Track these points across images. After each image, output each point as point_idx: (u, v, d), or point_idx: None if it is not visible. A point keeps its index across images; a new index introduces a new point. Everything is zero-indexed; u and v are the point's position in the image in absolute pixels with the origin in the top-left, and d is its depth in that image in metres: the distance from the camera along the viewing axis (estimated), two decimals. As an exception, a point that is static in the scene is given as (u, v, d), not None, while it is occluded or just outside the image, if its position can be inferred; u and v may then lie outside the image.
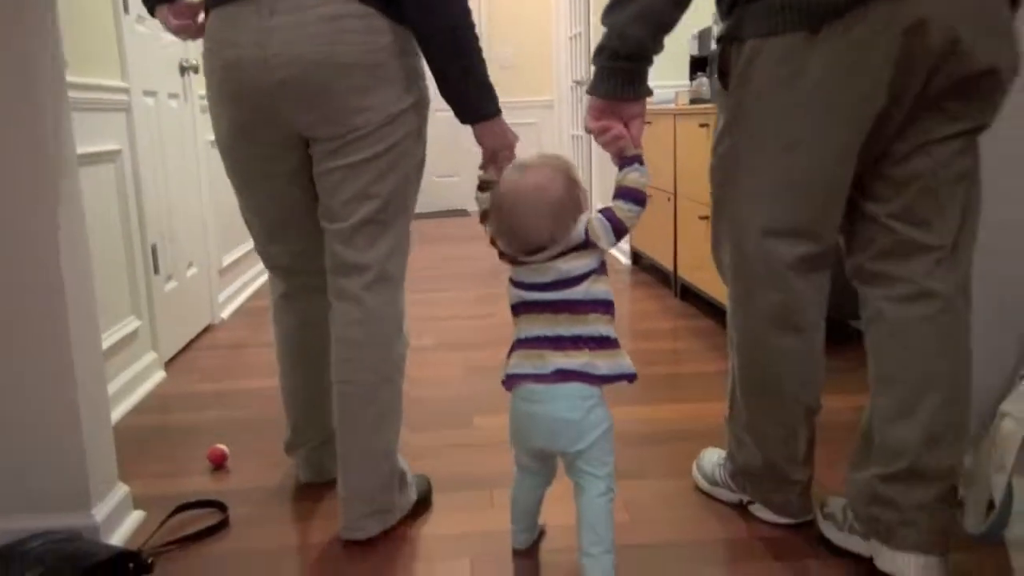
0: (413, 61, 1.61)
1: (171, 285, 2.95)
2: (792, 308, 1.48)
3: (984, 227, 1.43)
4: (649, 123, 3.77)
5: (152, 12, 1.70)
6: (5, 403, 1.56)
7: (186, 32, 1.69)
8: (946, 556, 1.41)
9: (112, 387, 2.32)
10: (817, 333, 1.52)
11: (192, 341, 3.17)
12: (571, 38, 5.89)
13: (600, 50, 1.44)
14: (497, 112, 1.62)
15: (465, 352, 2.89)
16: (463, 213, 6.72)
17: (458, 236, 5.58)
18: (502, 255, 1.47)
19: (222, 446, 2.03)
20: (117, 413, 2.35)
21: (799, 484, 1.61)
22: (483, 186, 1.59)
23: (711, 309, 3.20)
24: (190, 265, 3.19)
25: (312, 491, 1.87)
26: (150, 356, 2.69)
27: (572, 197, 1.41)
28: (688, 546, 1.60)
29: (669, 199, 3.57)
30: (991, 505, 1.36)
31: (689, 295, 3.50)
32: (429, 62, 1.60)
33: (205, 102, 3.43)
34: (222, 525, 1.72)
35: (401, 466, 1.71)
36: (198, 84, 3.36)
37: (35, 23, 1.49)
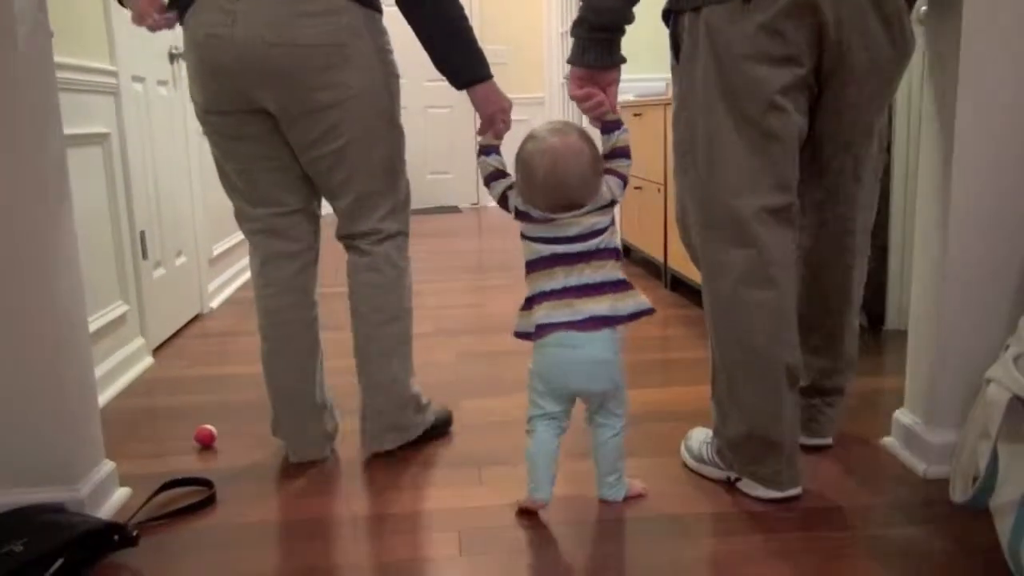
0: (379, 39, 1.68)
1: (160, 272, 2.93)
2: (760, 263, 1.55)
3: (975, 211, 1.61)
4: (639, 115, 3.77)
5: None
6: (-10, 376, 1.55)
7: (149, 20, 1.67)
8: (830, 438, 1.85)
9: (99, 371, 2.31)
10: (788, 288, 1.58)
11: (181, 329, 3.15)
12: (562, 34, 5.90)
13: (579, 23, 1.56)
14: (489, 76, 1.71)
15: (456, 339, 2.90)
16: (455, 210, 6.73)
17: (450, 231, 5.59)
18: (518, 214, 1.58)
19: (210, 426, 2.02)
20: (104, 397, 2.33)
21: (785, 452, 1.61)
22: (484, 150, 1.67)
23: (701, 299, 3.21)
24: (179, 253, 3.17)
25: (300, 470, 1.87)
26: (138, 342, 2.68)
27: (600, 158, 1.57)
28: (676, 520, 1.60)
29: (659, 190, 3.58)
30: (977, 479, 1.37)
31: (680, 286, 3.50)
32: (417, 30, 1.65)
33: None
34: (208, 501, 1.71)
35: (416, 392, 1.89)
36: (188, 72, 3.36)
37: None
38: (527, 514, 1.62)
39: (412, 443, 1.90)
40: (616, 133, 1.60)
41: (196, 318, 3.34)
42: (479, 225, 5.96)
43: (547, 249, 1.54)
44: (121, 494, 1.73)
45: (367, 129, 1.70)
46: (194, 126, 3.42)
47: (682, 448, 1.86)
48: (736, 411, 1.63)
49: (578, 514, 1.63)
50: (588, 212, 1.53)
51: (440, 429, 1.99)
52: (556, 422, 1.59)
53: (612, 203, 1.56)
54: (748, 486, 1.66)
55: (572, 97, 1.63)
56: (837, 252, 1.73)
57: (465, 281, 3.97)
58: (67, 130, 1.67)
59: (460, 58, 1.69)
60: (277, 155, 1.75)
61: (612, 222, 1.57)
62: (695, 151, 1.60)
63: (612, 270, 1.55)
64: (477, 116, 1.77)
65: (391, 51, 1.72)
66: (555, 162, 1.50)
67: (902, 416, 1.83)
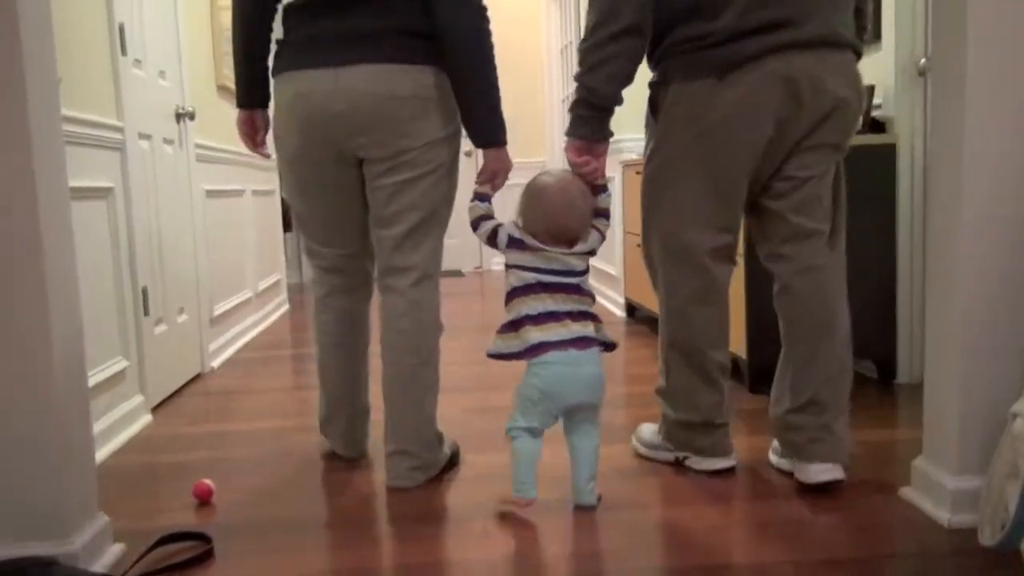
0: (452, 102, 1.93)
1: (161, 329, 2.90)
2: (708, 289, 1.91)
3: (992, 232, 1.63)
4: (640, 173, 3.78)
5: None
6: (-16, 424, 1.51)
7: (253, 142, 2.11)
8: (843, 465, 1.84)
9: (97, 427, 2.26)
10: (725, 307, 1.95)
11: (181, 388, 3.11)
12: (563, 101, 6.00)
13: (579, 103, 1.85)
14: (506, 141, 1.96)
15: (461, 395, 2.87)
16: (458, 273, 6.74)
17: (454, 293, 5.59)
18: (511, 242, 1.78)
19: (208, 481, 1.97)
20: (102, 453, 2.28)
21: (721, 427, 1.98)
22: (479, 197, 1.89)
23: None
24: (181, 311, 3.15)
25: (301, 524, 1.81)
26: (137, 399, 2.63)
27: (592, 210, 1.84)
28: (699, 570, 1.54)
29: (663, 247, 3.56)
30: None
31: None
32: (460, 89, 1.90)
33: (201, 151, 3.47)
34: (206, 556, 1.65)
35: (439, 430, 2.05)
36: (194, 132, 3.38)
37: (30, 46, 1.48)
38: (514, 509, 1.79)
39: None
40: (602, 195, 1.86)
41: (197, 377, 3.30)
42: (482, 288, 5.96)
43: (533, 277, 1.75)
44: (115, 550, 1.67)
45: (432, 172, 1.93)
46: (201, 184, 3.44)
47: (633, 441, 2.17)
48: (682, 398, 1.97)
49: (585, 566, 1.58)
50: (572, 253, 1.78)
51: (453, 460, 2.13)
52: (537, 433, 1.78)
53: (592, 252, 1.81)
54: (693, 462, 2.00)
55: (572, 163, 1.87)
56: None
57: (469, 340, 3.93)
58: (71, 182, 1.66)
59: (489, 121, 1.92)
60: (350, 205, 2.00)
61: (587, 270, 1.80)
62: (661, 191, 1.90)
63: (590, 307, 1.80)
64: (474, 173, 2.02)
65: (458, 113, 1.96)
66: (563, 191, 1.79)
67: (922, 464, 1.78)
